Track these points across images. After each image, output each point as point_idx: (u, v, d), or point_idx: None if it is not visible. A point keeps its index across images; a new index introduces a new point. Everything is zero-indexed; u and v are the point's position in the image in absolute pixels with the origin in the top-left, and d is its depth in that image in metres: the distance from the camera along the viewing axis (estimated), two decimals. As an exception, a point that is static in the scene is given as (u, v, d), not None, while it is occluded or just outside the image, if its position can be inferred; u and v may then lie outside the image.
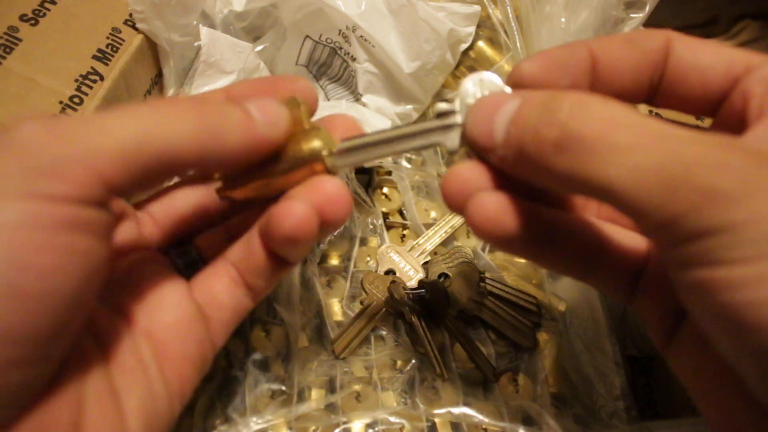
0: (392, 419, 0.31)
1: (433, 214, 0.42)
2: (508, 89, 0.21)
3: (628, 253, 0.22)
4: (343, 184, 0.22)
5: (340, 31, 0.41)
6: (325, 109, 0.43)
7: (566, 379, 0.36)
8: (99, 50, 0.35)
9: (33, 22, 0.34)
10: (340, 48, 0.42)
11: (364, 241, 0.41)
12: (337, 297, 0.38)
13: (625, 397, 0.34)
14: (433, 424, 0.32)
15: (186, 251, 0.25)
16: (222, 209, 0.26)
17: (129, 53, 0.36)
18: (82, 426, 0.18)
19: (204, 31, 0.38)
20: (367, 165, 0.41)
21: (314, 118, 0.24)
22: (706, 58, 0.20)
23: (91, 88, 0.34)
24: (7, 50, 0.33)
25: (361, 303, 0.38)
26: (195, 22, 0.39)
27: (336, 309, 0.38)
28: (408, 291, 0.37)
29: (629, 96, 0.21)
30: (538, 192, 0.21)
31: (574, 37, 0.38)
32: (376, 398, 0.34)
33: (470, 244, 0.41)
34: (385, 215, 0.42)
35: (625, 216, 0.23)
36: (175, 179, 0.27)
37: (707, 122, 0.22)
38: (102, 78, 0.34)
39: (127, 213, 0.24)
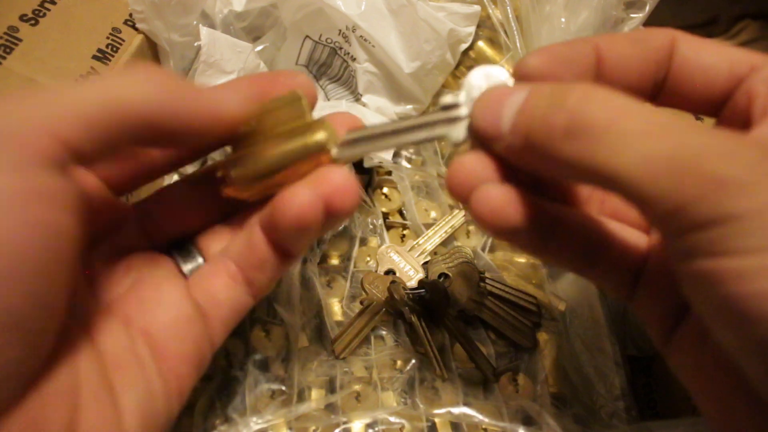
0: (392, 419, 0.31)
1: (433, 214, 0.42)
2: (512, 82, 0.21)
3: (629, 249, 0.22)
4: (350, 173, 0.22)
5: (340, 31, 0.41)
6: (325, 109, 0.43)
7: (566, 379, 0.36)
8: (99, 50, 0.35)
9: (33, 22, 0.34)
10: (340, 48, 0.42)
11: (364, 241, 0.41)
12: (337, 297, 0.38)
13: (625, 397, 0.34)
14: (433, 424, 0.32)
15: (186, 250, 0.25)
16: (223, 207, 0.26)
17: (129, 53, 0.36)
18: (78, 423, 0.18)
19: (204, 31, 0.38)
20: (368, 162, 0.41)
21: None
22: (710, 57, 0.20)
23: (91, 88, 0.34)
24: (7, 50, 0.33)
25: (361, 303, 0.38)
26: (195, 22, 0.39)
27: (336, 309, 0.38)
28: (408, 291, 0.37)
29: (633, 94, 0.21)
30: (541, 185, 0.21)
31: (574, 37, 0.38)
32: (376, 398, 0.34)
33: (470, 244, 0.41)
34: (385, 215, 0.42)
35: (627, 212, 0.23)
36: (175, 178, 0.27)
37: (707, 122, 0.22)
38: (102, 78, 0.34)
39: (126, 213, 0.24)
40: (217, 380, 0.33)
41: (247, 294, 0.23)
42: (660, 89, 0.21)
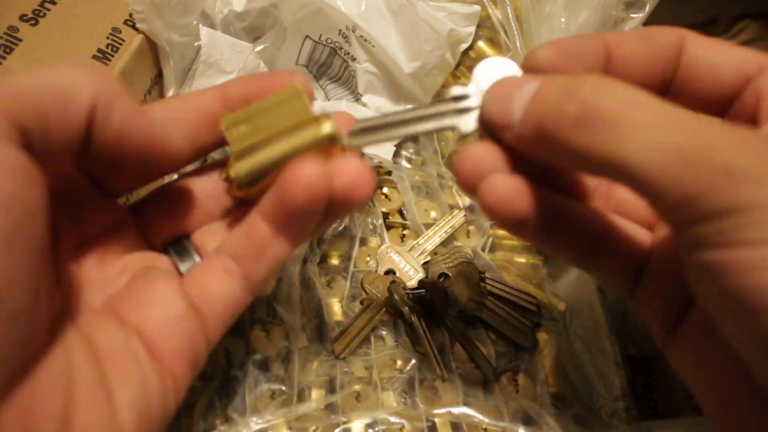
0: (392, 419, 0.31)
1: (433, 214, 0.42)
2: (521, 74, 0.21)
3: (632, 244, 0.22)
4: (363, 160, 0.22)
5: (340, 31, 0.41)
6: (324, 109, 0.43)
7: (566, 379, 0.36)
8: (99, 50, 0.35)
9: (33, 22, 0.34)
10: (340, 48, 0.42)
11: (364, 241, 0.41)
12: (337, 297, 0.38)
13: (625, 397, 0.34)
14: (433, 424, 0.32)
15: (183, 248, 0.25)
16: (220, 206, 0.26)
17: (129, 53, 0.36)
18: (71, 416, 0.18)
19: (204, 31, 0.38)
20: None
21: None
22: (718, 56, 0.20)
23: (91, 88, 0.34)
24: (7, 50, 0.33)
25: (361, 303, 0.38)
26: (195, 22, 0.39)
27: (336, 309, 0.38)
28: (408, 291, 0.37)
29: None
30: (548, 177, 0.21)
31: (574, 37, 0.38)
32: (376, 398, 0.34)
33: (470, 244, 0.41)
34: (385, 215, 0.42)
35: (631, 208, 0.23)
36: (174, 176, 0.27)
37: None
38: (102, 78, 0.34)
39: (121, 215, 0.24)
40: (217, 380, 0.33)
41: (244, 289, 0.23)
42: (668, 87, 0.21)
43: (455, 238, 0.41)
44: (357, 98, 0.44)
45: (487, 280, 0.38)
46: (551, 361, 0.37)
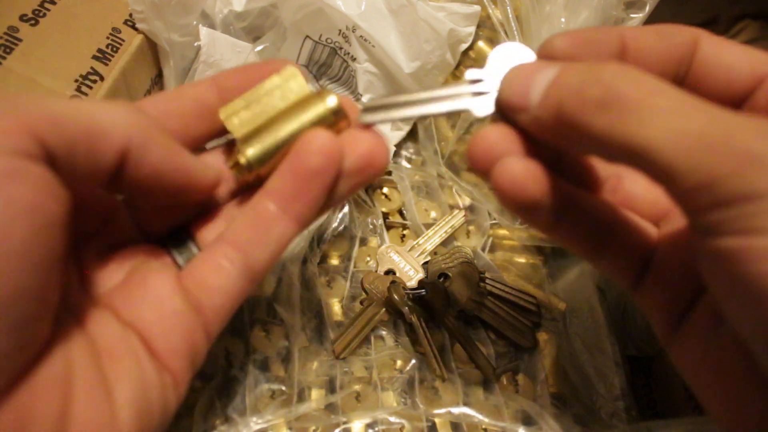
0: (392, 419, 0.31)
1: (433, 214, 0.42)
2: (536, 60, 0.21)
3: (638, 236, 0.22)
4: (378, 132, 0.22)
5: (340, 31, 0.41)
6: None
7: (566, 379, 0.36)
8: (99, 50, 0.35)
9: (33, 22, 0.34)
10: (340, 48, 0.42)
11: (364, 241, 0.41)
12: (337, 297, 0.38)
13: (625, 397, 0.34)
14: (433, 424, 0.32)
15: (180, 239, 0.24)
16: (218, 196, 0.26)
17: (129, 53, 0.36)
18: (69, 414, 0.18)
19: (204, 31, 0.38)
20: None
21: None
22: (732, 56, 0.20)
23: (91, 88, 0.34)
24: (7, 50, 0.33)
25: (361, 303, 0.38)
26: (195, 22, 0.39)
27: (336, 309, 0.38)
28: (408, 291, 0.37)
29: None
30: (557, 166, 0.21)
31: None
32: (376, 398, 0.34)
33: (470, 244, 0.41)
34: (385, 215, 0.42)
35: (637, 202, 0.23)
36: None
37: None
38: (102, 78, 0.34)
39: (115, 207, 0.24)
40: (217, 380, 0.33)
41: (245, 278, 0.22)
42: (680, 85, 0.21)
43: (455, 238, 0.41)
44: (357, 98, 0.44)
45: (487, 280, 0.38)
46: (551, 361, 0.37)
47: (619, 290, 0.39)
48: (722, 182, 0.15)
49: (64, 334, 0.19)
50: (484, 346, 0.37)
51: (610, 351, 0.35)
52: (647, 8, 0.38)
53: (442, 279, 0.38)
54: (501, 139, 0.20)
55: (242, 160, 0.22)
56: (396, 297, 0.36)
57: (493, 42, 0.44)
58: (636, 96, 0.16)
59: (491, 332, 0.38)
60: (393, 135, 0.44)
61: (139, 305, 0.21)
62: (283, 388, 0.34)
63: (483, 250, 0.41)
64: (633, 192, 0.24)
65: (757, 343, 0.16)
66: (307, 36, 0.42)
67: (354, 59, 0.42)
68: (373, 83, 0.43)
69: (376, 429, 0.30)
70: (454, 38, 0.42)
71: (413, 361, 0.35)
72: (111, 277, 0.22)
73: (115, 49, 0.36)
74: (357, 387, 0.34)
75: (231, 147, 0.24)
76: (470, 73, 0.21)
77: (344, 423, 0.30)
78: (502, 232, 0.42)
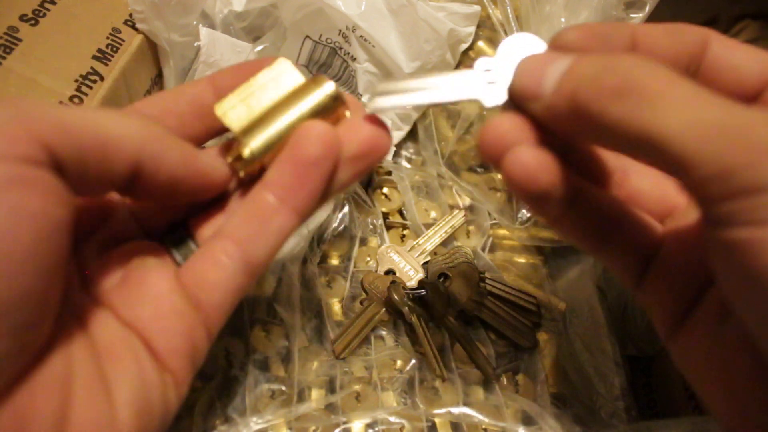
0: (392, 419, 0.31)
1: (433, 214, 0.42)
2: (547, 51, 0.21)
3: (643, 233, 0.22)
4: (378, 117, 0.22)
5: (340, 31, 0.41)
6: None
7: (566, 379, 0.36)
8: (99, 50, 0.35)
9: (33, 22, 0.34)
10: (340, 48, 0.42)
11: (364, 241, 0.41)
12: (337, 297, 0.38)
13: (625, 397, 0.34)
14: (433, 424, 0.32)
15: (179, 235, 0.24)
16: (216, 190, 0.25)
17: (129, 53, 0.36)
18: (68, 415, 0.18)
19: (203, 31, 0.38)
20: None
21: None
22: (741, 58, 0.20)
23: (91, 88, 0.34)
24: (7, 50, 0.33)
25: (361, 303, 0.38)
26: (195, 22, 0.39)
27: (336, 309, 0.38)
28: (408, 291, 0.37)
29: None
30: (566, 157, 0.21)
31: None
32: (376, 398, 0.34)
33: (470, 244, 0.41)
34: (385, 215, 0.42)
35: (643, 198, 0.23)
36: None
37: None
38: (102, 78, 0.34)
39: (113, 205, 0.24)
40: (217, 380, 0.33)
41: (244, 273, 0.22)
42: None
43: (455, 238, 0.41)
44: (357, 98, 0.44)
45: (487, 280, 0.38)
46: (551, 361, 0.37)
47: (619, 290, 0.39)
48: (738, 173, 0.15)
49: (65, 334, 0.19)
50: (484, 346, 0.37)
51: (610, 351, 0.35)
52: (647, 8, 0.38)
53: (442, 279, 0.38)
54: (513, 127, 0.20)
55: (245, 152, 0.22)
56: (396, 297, 0.36)
57: (493, 42, 0.44)
58: (653, 85, 0.16)
59: (491, 332, 0.38)
60: (393, 135, 0.44)
61: (138, 304, 0.21)
62: (283, 388, 0.34)
63: (483, 250, 0.41)
64: (639, 188, 0.24)
65: (765, 337, 0.16)
66: (307, 36, 0.42)
67: (354, 59, 0.42)
68: (373, 83, 0.42)
69: (376, 429, 0.30)
70: (454, 38, 0.42)
71: (413, 361, 0.35)
72: (111, 275, 0.22)
73: (115, 49, 0.36)
74: (357, 387, 0.34)
75: (228, 146, 0.24)
76: (481, 63, 0.21)
77: (344, 423, 0.30)
78: (502, 232, 0.42)
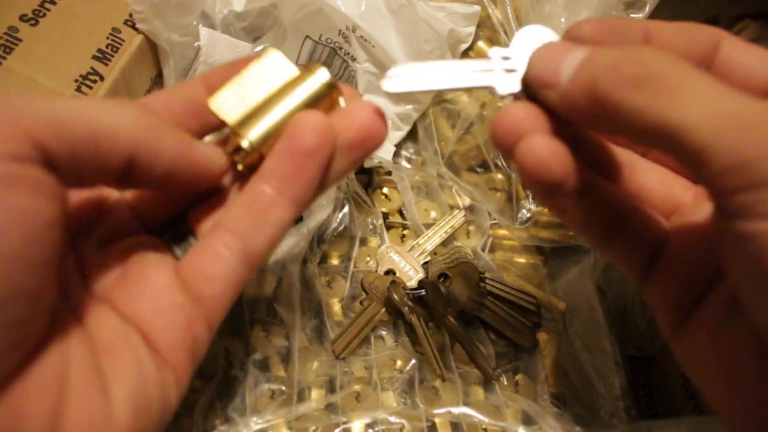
0: (392, 419, 0.31)
1: (433, 214, 0.42)
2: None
3: (650, 228, 0.22)
4: (375, 105, 0.22)
5: (340, 31, 0.41)
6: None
7: (566, 379, 0.36)
8: (99, 50, 0.35)
9: (33, 22, 0.34)
10: (340, 48, 0.42)
11: (364, 241, 0.41)
12: (337, 297, 0.38)
13: (625, 397, 0.34)
14: (433, 424, 0.32)
15: (179, 230, 0.24)
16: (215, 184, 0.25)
17: (129, 53, 0.36)
18: (63, 412, 0.18)
19: (203, 31, 0.38)
20: (368, 162, 0.41)
21: None
22: (752, 59, 0.20)
23: (91, 88, 0.34)
24: (7, 50, 0.33)
25: (361, 303, 0.38)
26: (195, 22, 0.39)
27: (336, 309, 0.38)
28: (408, 291, 0.37)
29: None
30: (576, 150, 0.21)
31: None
32: (376, 398, 0.34)
33: (470, 244, 0.41)
34: (385, 215, 0.42)
35: (649, 195, 0.23)
36: None
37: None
38: (102, 78, 0.34)
39: (111, 200, 0.24)
40: (217, 380, 0.33)
41: (244, 265, 0.22)
42: None
43: (455, 238, 0.41)
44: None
45: (487, 280, 0.38)
46: (551, 361, 0.37)
47: (619, 290, 0.39)
48: (755, 165, 0.15)
49: (62, 330, 0.19)
50: (484, 346, 0.37)
51: (610, 351, 0.35)
52: (647, 8, 0.38)
53: (442, 279, 0.38)
54: (526, 116, 0.20)
55: (243, 143, 0.22)
56: (396, 297, 0.36)
57: (493, 42, 0.44)
58: (673, 76, 0.16)
59: (491, 332, 0.38)
60: (393, 135, 0.44)
61: (138, 299, 0.21)
62: (283, 388, 0.34)
63: (483, 250, 0.41)
64: (645, 184, 0.24)
65: None
66: (307, 36, 0.42)
67: (354, 59, 0.42)
68: (373, 83, 0.42)
69: (376, 429, 0.30)
70: (454, 38, 0.42)
71: (413, 361, 0.35)
72: (110, 270, 0.22)
73: (115, 49, 0.36)
74: (357, 387, 0.34)
75: (225, 140, 0.24)
76: (495, 51, 0.21)
77: (344, 423, 0.30)
78: (502, 232, 0.42)
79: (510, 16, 0.40)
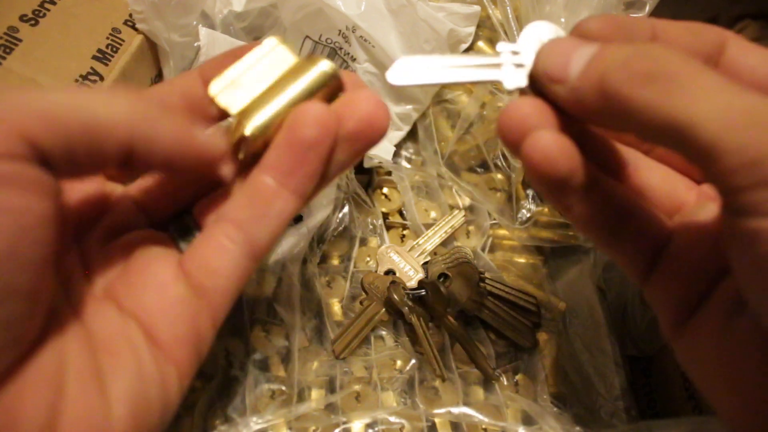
0: (392, 419, 0.31)
1: (433, 214, 0.42)
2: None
3: (653, 226, 0.22)
4: (376, 95, 0.22)
5: (340, 31, 0.41)
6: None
7: (566, 379, 0.36)
8: (99, 50, 0.35)
9: (33, 22, 0.34)
10: (340, 48, 0.42)
11: (364, 241, 0.41)
12: (337, 297, 0.38)
13: (625, 397, 0.34)
14: (433, 424, 0.32)
15: (183, 222, 0.24)
16: (221, 174, 0.25)
17: (129, 53, 0.36)
18: (60, 412, 0.17)
19: (203, 31, 0.38)
20: (368, 162, 0.41)
21: None
22: (757, 59, 0.20)
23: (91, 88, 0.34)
24: (7, 50, 0.33)
25: (361, 303, 0.38)
26: (195, 23, 0.39)
27: (336, 309, 0.38)
28: (408, 291, 0.37)
29: None
30: (581, 146, 0.21)
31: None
32: (376, 398, 0.34)
33: (470, 244, 0.41)
34: (385, 215, 0.42)
35: (653, 193, 0.23)
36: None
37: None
38: (102, 78, 0.34)
39: (118, 195, 0.24)
40: (217, 380, 0.33)
41: (248, 257, 0.21)
42: None
43: (455, 238, 0.41)
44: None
45: (487, 280, 0.38)
46: (551, 361, 0.37)
47: (619, 290, 0.39)
48: (766, 162, 0.15)
49: (60, 327, 0.19)
50: (484, 346, 0.37)
51: (610, 351, 0.35)
52: (647, 8, 0.38)
53: (442, 279, 0.38)
54: (534, 111, 0.20)
55: (246, 131, 0.21)
56: (396, 297, 0.36)
57: (493, 42, 0.44)
58: (685, 72, 0.16)
59: (491, 332, 0.38)
60: (393, 135, 0.44)
61: (141, 293, 0.21)
62: (283, 388, 0.34)
63: (483, 250, 0.41)
64: (649, 183, 0.24)
65: None
66: (307, 36, 0.42)
67: (354, 59, 0.42)
68: (373, 83, 0.42)
69: (376, 429, 0.30)
70: (454, 38, 0.42)
71: (413, 361, 0.35)
72: (114, 265, 0.22)
73: (115, 49, 0.36)
74: (357, 387, 0.34)
75: (227, 131, 0.24)
76: (502, 46, 0.21)
77: (344, 423, 0.30)
78: (502, 232, 0.42)
79: (510, 16, 0.40)
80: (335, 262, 0.40)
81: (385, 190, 0.43)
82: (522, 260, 0.42)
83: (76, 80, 0.33)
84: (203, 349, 0.21)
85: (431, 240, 0.40)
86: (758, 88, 0.20)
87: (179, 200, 0.24)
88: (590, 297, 0.37)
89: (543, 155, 0.19)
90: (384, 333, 0.37)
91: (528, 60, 0.21)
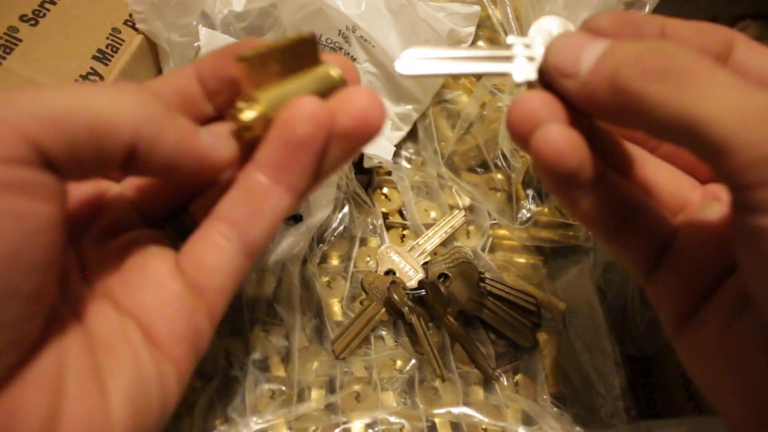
0: (392, 419, 0.31)
1: (433, 214, 0.42)
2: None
3: (659, 222, 0.22)
4: (373, 92, 0.22)
5: (340, 31, 0.41)
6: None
7: (566, 379, 0.36)
8: (99, 50, 0.35)
9: (33, 22, 0.34)
10: (340, 48, 0.42)
11: (364, 241, 0.41)
12: (337, 297, 0.38)
13: (625, 397, 0.34)
14: (433, 424, 0.32)
15: (181, 221, 0.24)
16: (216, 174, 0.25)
17: (129, 53, 0.36)
18: (60, 412, 0.17)
19: (203, 31, 0.38)
20: (368, 162, 0.41)
21: None
22: (763, 61, 0.20)
23: (91, 88, 0.34)
24: (7, 50, 0.33)
25: (361, 303, 0.38)
26: (195, 23, 0.39)
27: (336, 309, 0.38)
28: (408, 291, 0.37)
29: None
30: (588, 141, 0.21)
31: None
32: (376, 398, 0.34)
33: (470, 244, 0.41)
34: (385, 215, 0.42)
35: (658, 191, 0.23)
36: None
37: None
38: (102, 78, 0.34)
39: (114, 195, 0.24)
40: (217, 380, 0.33)
41: (243, 255, 0.21)
42: None
43: (455, 238, 0.41)
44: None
45: (487, 281, 0.38)
46: (551, 361, 0.37)
47: (619, 290, 0.39)
48: None
49: (60, 328, 0.19)
50: (484, 346, 0.37)
51: (610, 351, 0.35)
52: (647, 8, 0.37)
53: (442, 279, 0.38)
54: (543, 104, 0.20)
55: (260, 103, 0.21)
56: (396, 297, 0.36)
57: (493, 42, 0.44)
58: (697, 69, 0.17)
59: (491, 332, 0.38)
60: (393, 135, 0.44)
61: (138, 292, 0.21)
62: (283, 388, 0.34)
63: (483, 250, 0.41)
64: (655, 180, 0.24)
65: None
66: (307, 36, 0.42)
67: (354, 59, 0.42)
68: (373, 83, 0.42)
69: (376, 429, 0.30)
70: (454, 38, 0.42)
71: (413, 361, 0.35)
72: (111, 264, 0.22)
73: (115, 49, 0.36)
74: (357, 387, 0.34)
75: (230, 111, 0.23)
76: (512, 39, 0.21)
77: (344, 423, 0.30)
78: (502, 232, 0.42)
79: (510, 16, 0.40)
80: (335, 262, 0.40)
81: (385, 190, 0.43)
82: (522, 260, 0.42)
83: (76, 80, 0.33)
84: (201, 346, 0.21)
85: (431, 240, 0.40)
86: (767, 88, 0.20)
87: (175, 199, 0.24)
88: (590, 297, 0.37)
89: (552, 149, 0.19)
90: (384, 333, 0.37)
91: (537, 53, 0.21)
